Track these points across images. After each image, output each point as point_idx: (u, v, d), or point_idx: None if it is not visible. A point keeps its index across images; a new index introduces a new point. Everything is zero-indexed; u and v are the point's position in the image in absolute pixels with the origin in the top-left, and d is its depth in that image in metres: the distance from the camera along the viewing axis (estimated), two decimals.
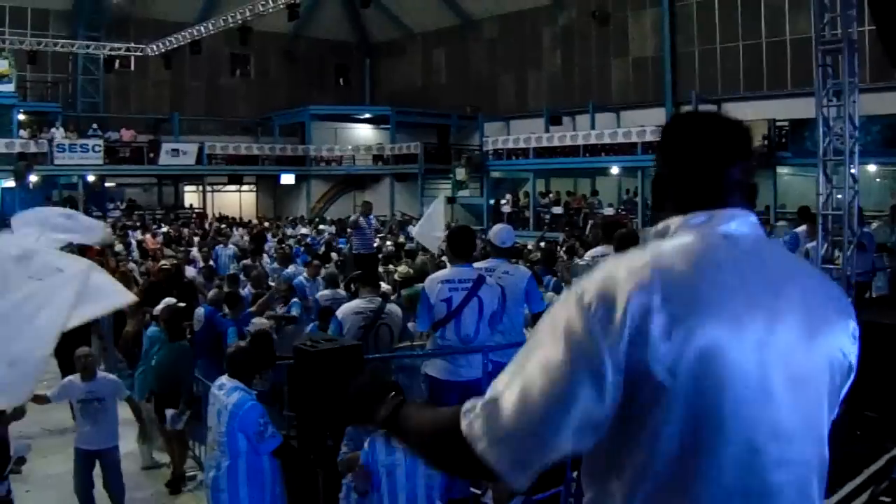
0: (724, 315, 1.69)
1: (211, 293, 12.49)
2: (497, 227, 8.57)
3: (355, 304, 8.53)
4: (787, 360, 1.74)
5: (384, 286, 11.01)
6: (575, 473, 5.77)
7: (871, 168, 24.05)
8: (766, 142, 26.53)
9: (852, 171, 10.74)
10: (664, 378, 1.65)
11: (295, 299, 12.33)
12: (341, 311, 8.37)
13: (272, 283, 13.73)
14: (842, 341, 1.87)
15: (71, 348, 8.44)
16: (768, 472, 1.72)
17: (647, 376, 1.66)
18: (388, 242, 22.95)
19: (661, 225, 1.95)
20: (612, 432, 1.73)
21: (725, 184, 1.92)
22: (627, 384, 1.67)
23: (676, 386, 1.65)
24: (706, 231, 1.84)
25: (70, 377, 8.36)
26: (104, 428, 8.25)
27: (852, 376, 1.92)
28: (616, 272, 1.74)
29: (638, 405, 1.69)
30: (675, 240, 1.84)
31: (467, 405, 1.88)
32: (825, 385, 1.84)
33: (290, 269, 16.02)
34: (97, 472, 8.26)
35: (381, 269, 15.86)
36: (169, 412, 8.95)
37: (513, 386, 1.77)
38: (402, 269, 15.11)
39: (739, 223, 1.87)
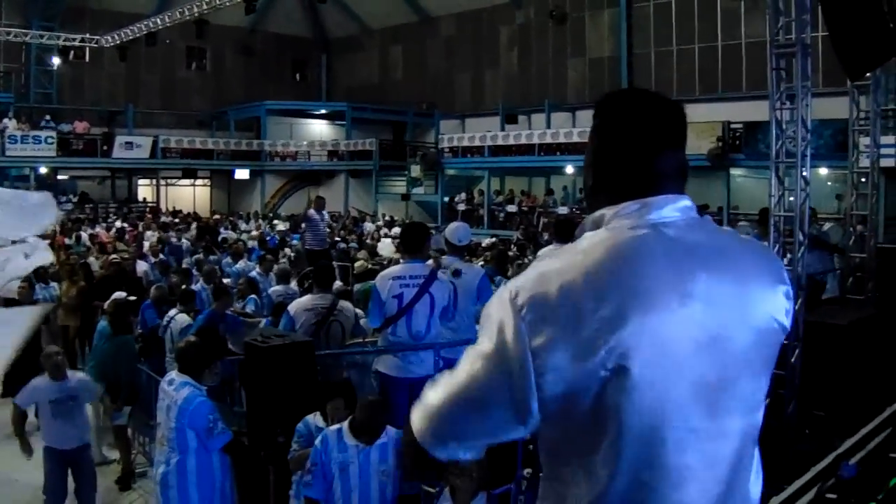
0: (654, 305, 1.71)
1: (153, 290, 12.37)
2: (453, 225, 8.59)
3: (307, 300, 8.52)
4: (718, 337, 1.77)
5: (337, 283, 11.01)
6: (526, 471, 5.80)
7: (823, 171, 24.34)
8: (720, 143, 26.78)
9: (804, 173, 10.83)
10: (593, 375, 1.69)
11: (252, 295, 12.27)
12: (293, 307, 8.35)
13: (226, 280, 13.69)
14: (775, 307, 1.90)
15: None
16: (695, 448, 1.76)
17: (576, 376, 1.69)
18: (338, 238, 22.83)
19: (596, 214, 1.92)
20: (551, 424, 1.79)
21: (658, 169, 1.90)
22: (552, 382, 1.70)
23: (606, 380, 1.69)
24: (637, 222, 1.83)
25: (35, 380, 8.14)
26: (78, 426, 8.14)
27: (783, 336, 1.94)
28: (548, 274, 1.75)
29: (564, 401, 1.72)
30: (606, 232, 1.83)
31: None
32: (759, 356, 1.87)
33: (241, 264, 15.95)
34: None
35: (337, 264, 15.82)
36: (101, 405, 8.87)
37: (449, 374, 1.87)
38: (360, 263, 15.12)
39: (670, 209, 1.86)
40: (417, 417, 1.92)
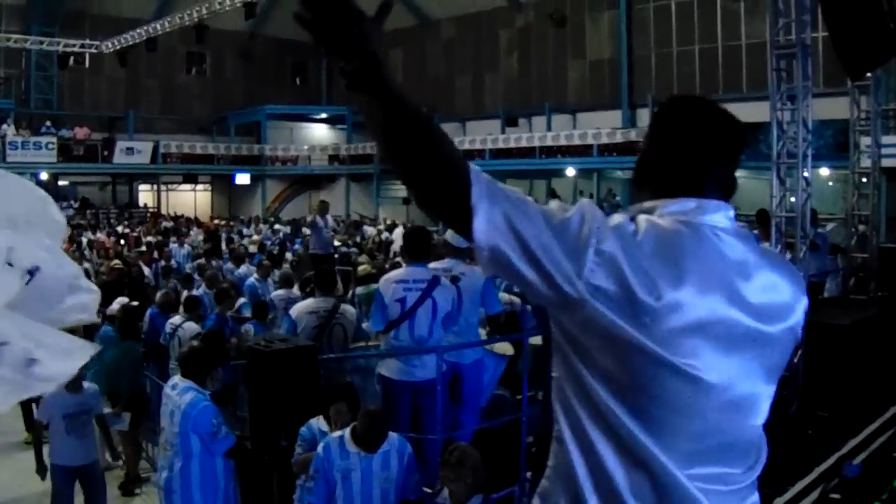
0: (699, 290, 1.79)
1: (159, 295, 12.38)
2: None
3: (309, 303, 8.53)
4: (754, 341, 1.87)
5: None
6: (529, 474, 5.80)
7: (824, 172, 24.35)
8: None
9: (805, 174, 10.84)
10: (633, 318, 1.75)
11: (243, 299, 12.24)
12: (295, 311, 8.35)
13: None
14: (797, 320, 2.00)
15: None
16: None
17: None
18: (338, 242, 22.81)
19: (647, 204, 2.00)
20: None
21: (713, 179, 2.01)
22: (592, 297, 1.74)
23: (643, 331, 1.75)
24: (693, 219, 1.91)
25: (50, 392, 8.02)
26: (88, 442, 8.02)
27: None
28: (622, 222, 1.83)
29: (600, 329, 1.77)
30: (665, 223, 1.89)
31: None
32: (779, 363, 1.98)
33: (243, 269, 15.95)
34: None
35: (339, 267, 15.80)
36: (106, 411, 8.80)
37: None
38: (363, 267, 15.10)
39: (722, 216, 1.95)
40: (505, 193, 1.78)
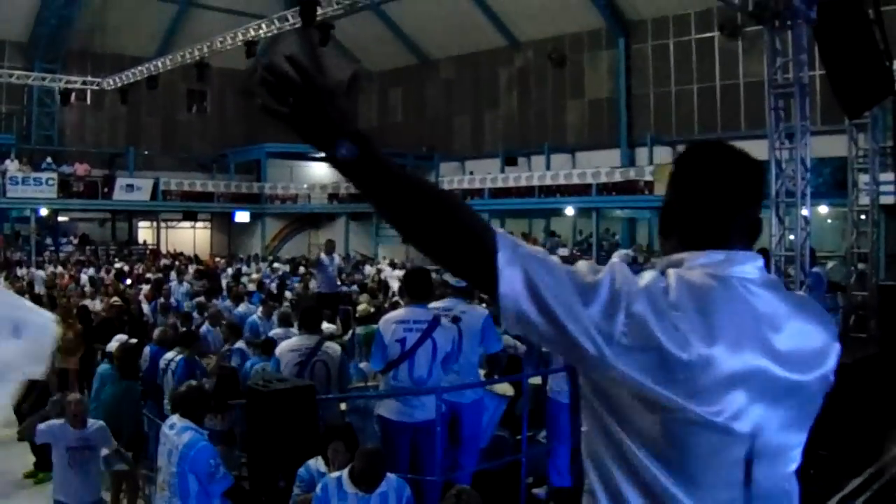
0: (730, 344, 1.77)
1: (157, 332, 12.35)
2: None
3: (293, 341, 8.52)
4: (786, 392, 1.86)
5: (328, 326, 10.96)
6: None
7: (823, 209, 24.39)
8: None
9: (804, 212, 10.87)
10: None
11: (239, 343, 12.15)
12: (279, 349, 8.36)
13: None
14: (830, 367, 1.97)
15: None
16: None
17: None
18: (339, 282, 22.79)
19: (675, 257, 1.99)
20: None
21: (736, 225, 2.00)
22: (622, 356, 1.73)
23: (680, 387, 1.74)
24: (722, 272, 1.89)
25: (57, 421, 7.88)
26: (92, 480, 7.95)
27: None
28: (653, 281, 1.81)
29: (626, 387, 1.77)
30: (694, 277, 1.87)
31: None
32: (809, 412, 1.96)
33: (242, 307, 15.90)
34: None
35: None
36: (103, 452, 8.72)
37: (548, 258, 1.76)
38: (362, 307, 15.08)
39: (752, 267, 1.94)
40: (532, 253, 1.73)
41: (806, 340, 1.92)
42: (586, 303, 1.71)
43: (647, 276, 1.82)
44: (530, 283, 1.69)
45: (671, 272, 1.88)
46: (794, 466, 1.95)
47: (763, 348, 1.82)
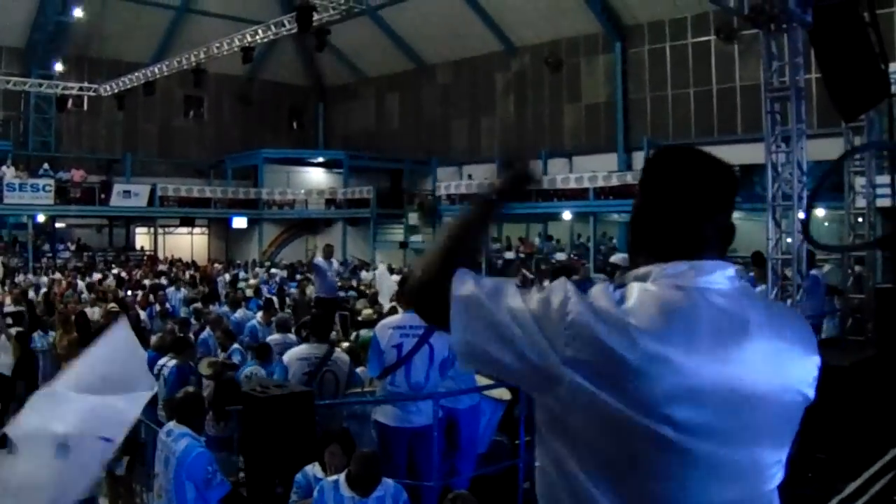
0: (690, 364, 1.73)
1: (154, 338, 12.35)
2: None
3: (301, 349, 8.49)
4: (748, 404, 1.78)
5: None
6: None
7: (820, 212, 24.38)
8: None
9: (801, 215, 10.86)
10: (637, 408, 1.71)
11: (236, 345, 12.15)
12: (287, 356, 8.32)
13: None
14: (805, 380, 1.91)
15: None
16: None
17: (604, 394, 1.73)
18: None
19: (641, 270, 1.93)
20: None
21: (707, 232, 1.93)
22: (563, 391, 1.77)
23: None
24: (685, 283, 1.85)
25: None
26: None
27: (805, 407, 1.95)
28: (599, 306, 1.78)
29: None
30: (656, 288, 1.84)
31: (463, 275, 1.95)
32: (784, 428, 1.90)
33: (239, 313, 15.88)
34: None
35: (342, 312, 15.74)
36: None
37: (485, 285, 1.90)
38: (366, 311, 15.07)
39: (720, 275, 1.88)
40: (471, 290, 1.89)
41: (777, 352, 1.85)
42: (533, 320, 1.79)
43: (596, 290, 1.82)
44: (477, 311, 1.85)
45: (633, 285, 1.86)
46: (772, 484, 1.90)
47: (725, 359, 1.77)
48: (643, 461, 1.73)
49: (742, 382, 1.77)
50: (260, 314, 14.57)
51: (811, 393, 1.93)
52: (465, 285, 1.88)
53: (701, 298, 1.82)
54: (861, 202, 14.01)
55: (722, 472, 1.77)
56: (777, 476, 1.91)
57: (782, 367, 1.86)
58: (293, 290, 23.20)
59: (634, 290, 1.83)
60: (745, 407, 1.78)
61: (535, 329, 1.76)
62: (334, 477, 5.82)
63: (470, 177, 39.70)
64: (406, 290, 2.03)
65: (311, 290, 20.19)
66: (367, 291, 21.94)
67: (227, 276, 28.38)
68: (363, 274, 30.57)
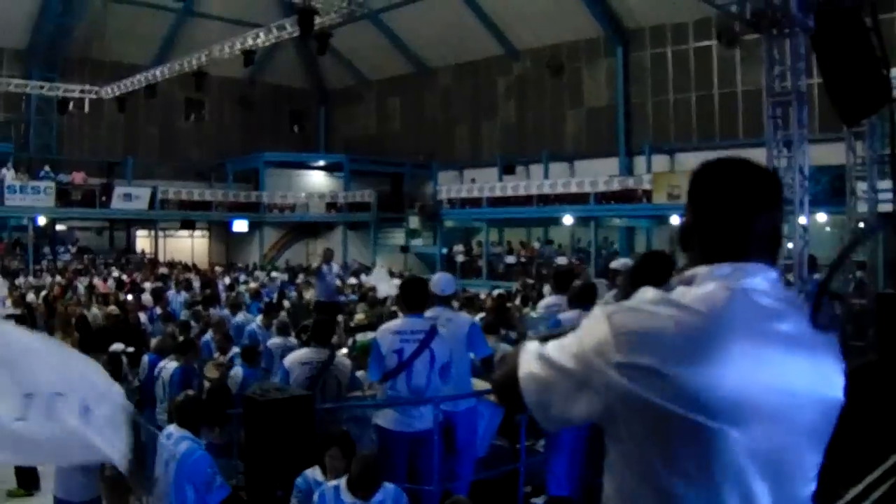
0: (730, 367, 1.79)
1: (155, 340, 12.35)
2: (436, 276, 8.61)
3: (303, 353, 8.46)
4: (788, 405, 1.85)
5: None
6: None
7: (821, 217, 24.38)
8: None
9: (802, 220, 10.87)
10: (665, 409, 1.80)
11: (236, 348, 12.14)
12: (288, 360, 8.29)
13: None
14: (837, 384, 1.96)
15: None
16: None
17: (645, 405, 1.82)
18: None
19: (687, 273, 2.02)
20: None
21: (752, 236, 2.00)
22: (620, 406, 1.87)
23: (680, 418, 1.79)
24: (729, 284, 1.92)
25: None
26: (93, 478, 8.02)
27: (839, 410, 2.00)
28: (642, 314, 1.90)
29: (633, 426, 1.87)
30: (699, 290, 1.92)
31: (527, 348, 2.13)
32: (821, 430, 1.97)
33: (240, 316, 15.85)
34: None
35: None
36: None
37: (544, 350, 2.06)
38: (359, 316, 15.05)
39: (762, 279, 1.95)
40: (531, 364, 2.07)
41: (813, 353, 1.91)
42: (581, 345, 1.95)
43: (643, 296, 1.93)
44: (536, 366, 2.04)
45: (679, 288, 1.95)
46: (811, 487, 1.97)
47: (770, 359, 1.83)
48: (696, 459, 1.81)
49: (784, 380, 1.84)
50: (260, 318, 14.57)
51: (841, 395, 1.97)
52: (526, 363, 2.07)
53: (745, 298, 1.89)
54: (863, 207, 14.00)
55: (769, 470, 1.83)
56: (814, 480, 1.98)
57: (820, 368, 1.92)
58: (293, 294, 23.17)
59: (680, 292, 1.93)
60: (789, 406, 1.85)
61: (586, 350, 1.92)
62: (335, 482, 5.81)
63: (473, 180, 39.72)
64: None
65: (309, 295, 20.20)
66: (369, 293, 21.89)
67: (228, 280, 28.38)
68: (363, 278, 30.57)
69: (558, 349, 2.00)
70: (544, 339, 2.12)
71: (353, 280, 27.04)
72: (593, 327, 1.93)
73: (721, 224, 2.02)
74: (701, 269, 2.00)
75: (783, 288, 2.00)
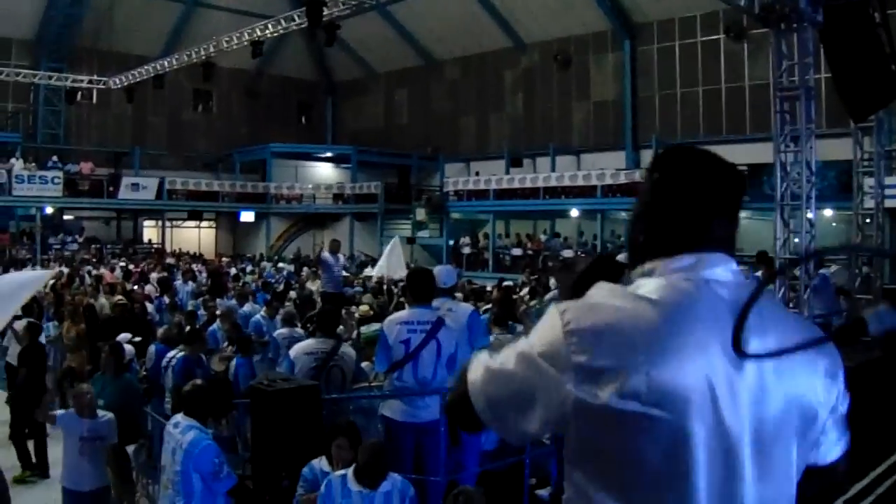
0: (692, 358, 1.73)
1: (162, 330, 12.39)
2: (438, 269, 8.63)
3: (308, 344, 8.48)
4: (754, 398, 1.77)
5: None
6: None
7: (828, 213, 24.35)
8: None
9: (809, 215, 10.86)
10: (619, 408, 1.72)
11: None
12: (294, 351, 8.31)
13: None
14: (811, 382, 1.87)
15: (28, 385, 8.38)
16: None
17: (603, 407, 1.73)
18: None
19: (647, 266, 1.94)
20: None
21: (714, 228, 1.93)
22: (577, 409, 1.77)
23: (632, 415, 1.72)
24: (691, 275, 1.86)
25: (69, 411, 8.11)
26: (100, 467, 8.07)
27: (822, 411, 1.91)
28: (599, 308, 1.81)
29: (590, 427, 1.78)
30: (660, 281, 1.87)
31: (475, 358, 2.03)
32: (793, 425, 1.85)
33: (247, 307, 15.89)
34: None
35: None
36: (131, 448, 8.77)
37: (493, 360, 1.94)
38: (363, 307, 15.06)
39: (724, 269, 1.89)
40: (479, 378, 1.95)
41: (782, 342, 1.81)
42: (527, 348, 1.86)
43: (595, 290, 1.86)
44: (484, 384, 1.93)
45: (639, 280, 1.91)
46: (789, 488, 1.88)
47: (726, 354, 1.75)
48: (663, 458, 1.73)
49: (745, 379, 1.77)
50: (265, 308, 14.62)
51: (824, 395, 1.90)
52: (475, 376, 1.96)
53: (707, 289, 1.83)
54: (869, 203, 13.99)
55: (736, 465, 1.76)
56: (794, 478, 1.89)
57: (785, 363, 1.81)
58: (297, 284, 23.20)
59: (641, 284, 1.87)
60: (755, 400, 1.78)
61: (537, 361, 1.82)
62: (342, 471, 5.84)
63: (477, 173, 39.69)
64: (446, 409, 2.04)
65: (315, 286, 20.22)
66: (372, 287, 21.88)
67: (234, 270, 28.43)
68: (368, 270, 30.58)
69: (508, 357, 1.89)
70: (498, 347, 2.00)
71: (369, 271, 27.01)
72: (544, 328, 1.84)
73: (685, 215, 1.94)
74: (660, 262, 1.92)
75: (744, 279, 1.93)
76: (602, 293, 1.84)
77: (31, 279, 8.14)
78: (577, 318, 1.78)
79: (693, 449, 1.72)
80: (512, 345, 1.91)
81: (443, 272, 8.42)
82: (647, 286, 1.85)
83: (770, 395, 1.80)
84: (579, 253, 32.22)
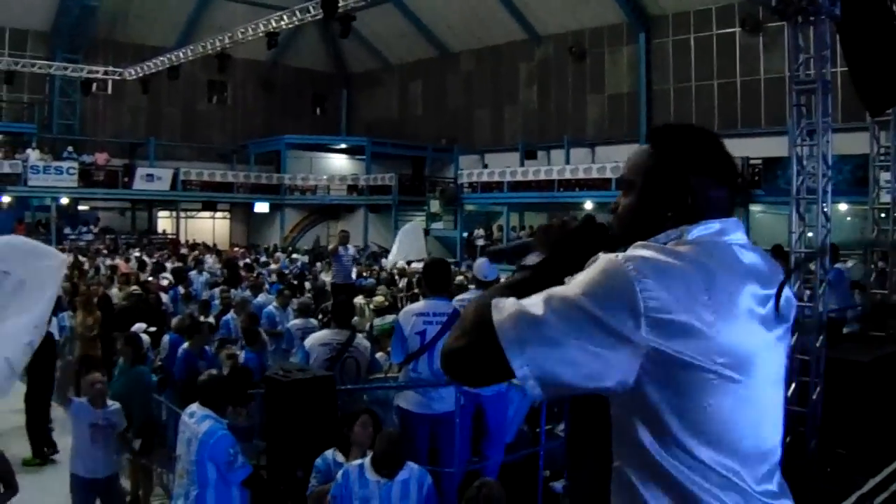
0: (746, 320, 1.84)
1: (175, 320, 12.43)
2: (479, 262, 8.67)
3: (323, 334, 8.49)
4: (777, 349, 1.94)
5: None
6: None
7: (843, 207, 24.26)
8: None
9: (825, 209, 10.80)
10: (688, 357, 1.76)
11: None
12: (308, 341, 8.32)
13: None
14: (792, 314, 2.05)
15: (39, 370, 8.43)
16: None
17: (668, 354, 1.76)
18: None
19: (672, 231, 1.98)
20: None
21: (730, 198, 2.07)
22: (651, 367, 1.77)
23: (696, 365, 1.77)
24: (719, 239, 1.95)
25: (80, 400, 8.08)
26: (110, 454, 8.10)
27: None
28: (657, 256, 1.82)
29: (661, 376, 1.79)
30: (695, 246, 1.90)
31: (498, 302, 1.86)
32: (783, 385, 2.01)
33: (261, 297, 15.92)
34: None
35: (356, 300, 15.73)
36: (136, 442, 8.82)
37: (529, 307, 1.81)
38: (378, 299, 15.07)
39: (741, 234, 2.01)
40: (512, 324, 1.78)
41: (784, 294, 1.96)
42: (601, 308, 1.75)
43: (644, 251, 1.84)
44: (539, 343, 1.76)
45: (672, 243, 1.92)
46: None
47: (760, 305, 1.88)
48: (717, 409, 1.79)
49: (774, 327, 1.93)
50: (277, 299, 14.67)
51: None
52: (503, 315, 1.81)
53: (734, 254, 1.93)
54: (885, 198, 13.91)
55: (768, 412, 1.91)
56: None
57: (789, 308, 2.01)
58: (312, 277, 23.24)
59: (681, 246, 1.89)
60: (776, 349, 1.93)
61: (609, 311, 1.74)
62: (359, 461, 5.85)
63: (486, 166, 39.67)
64: (442, 363, 1.74)
65: (329, 277, 20.25)
66: (385, 278, 21.88)
67: (248, 261, 28.48)
68: (383, 261, 30.58)
69: (553, 303, 1.78)
70: (508, 287, 2.05)
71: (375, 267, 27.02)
72: (602, 275, 1.79)
73: (712, 182, 2.03)
74: (685, 227, 1.96)
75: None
76: (648, 251, 1.83)
77: (49, 270, 8.12)
78: (641, 268, 1.77)
79: (757, 402, 1.85)
80: (548, 293, 1.81)
81: (483, 265, 8.46)
82: (686, 248, 1.88)
83: (784, 340, 1.98)
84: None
